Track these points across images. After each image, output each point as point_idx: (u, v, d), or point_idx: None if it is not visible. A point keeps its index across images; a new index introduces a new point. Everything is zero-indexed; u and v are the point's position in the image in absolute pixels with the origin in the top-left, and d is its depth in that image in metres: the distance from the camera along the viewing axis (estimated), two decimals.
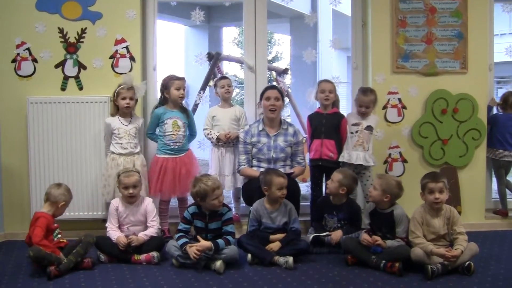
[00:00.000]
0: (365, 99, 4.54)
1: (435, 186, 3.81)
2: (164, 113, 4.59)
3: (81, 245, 3.85)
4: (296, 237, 4.10)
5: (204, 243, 3.82)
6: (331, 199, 4.32)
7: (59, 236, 3.94)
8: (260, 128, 4.65)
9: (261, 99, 4.66)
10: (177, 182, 4.52)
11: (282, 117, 4.78)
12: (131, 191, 4.12)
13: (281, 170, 4.41)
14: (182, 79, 4.64)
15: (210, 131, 4.80)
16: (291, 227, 4.12)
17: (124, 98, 4.45)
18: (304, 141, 4.86)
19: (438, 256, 3.65)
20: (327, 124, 4.60)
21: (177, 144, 4.58)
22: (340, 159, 4.57)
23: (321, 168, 4.62)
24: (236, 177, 4.78)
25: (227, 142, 4.77)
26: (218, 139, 4.75)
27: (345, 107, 5.29)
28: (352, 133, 4.56)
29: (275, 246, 4.00)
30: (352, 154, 4.51)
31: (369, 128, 4.55)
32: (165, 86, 4.60)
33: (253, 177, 4.42)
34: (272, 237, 4.07)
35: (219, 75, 5.45)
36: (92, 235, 3.97)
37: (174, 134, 4.57)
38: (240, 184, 4.78)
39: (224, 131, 4.76)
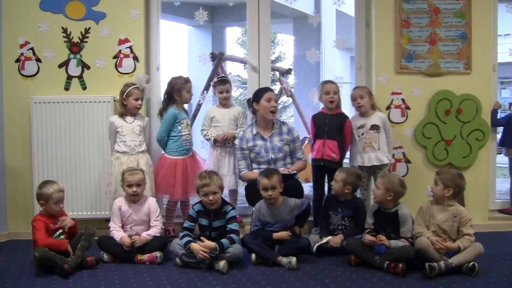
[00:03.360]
0: (356, 91, 4.64)
1: (434, 178, 3.93)
2: (179, 113, 4.61)
3: (83, 238, 3.87)
4: (309, 209, 4.31)
5: (208, 244, 3.82)
6: (338, 197, 4.31)
7: (62, 237, 3.91)
8: (254, 132, 4.61)
9: (258, 98, 4.57)
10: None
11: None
12: (134, 189, 4.12)
13: (282, 169, 4.41)
14: (190, 81, 4.69)
15: (208, 132, 4.79)
16: (302, 208, 4.20)
17: (137, 99, 4.48)
18: (307, 141, 4.85)
19: (431, 243, 3.68)
20: (330, 125, 4.59)
21: (191, 144, 4.65)
22: (355, 164, 4.57)
23: (323, 168, 4.62)
24: (236, 175, 4.76)
25: (225, 143, 4.76)
26: (215, 140, 4.74)
27: (349, 108, 5.28)
28: (359, 136, 4.56)
29: (296, 229, 4.14)
30: (364, 157, 4.52)
31: (374, 127, 4.54)
32: (177, 89, 4.60)
33: (255, 179, 4.40)
34: (275, 234, 4.06)
35: (217, 76, 5.38)
36: (92, 227, 3.99)
37: (189, 134, 4.64)
38: (239, 185, 4.80)
39: (223, 132, 4.75)
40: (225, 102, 4.87)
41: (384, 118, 4.65)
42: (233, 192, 4.92)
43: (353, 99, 4.63)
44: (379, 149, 4.52)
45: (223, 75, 5.25)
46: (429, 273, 3.55)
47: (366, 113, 4.60)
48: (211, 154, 4.85)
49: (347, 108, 5.08)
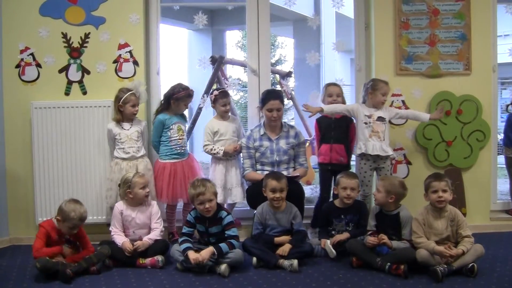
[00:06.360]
0: (388, 88, 4.54)
1: (438, 185, 3.83)
2: (168, 119, 4.59)
3: (95, 254, 3.86)
4: (303, 238, 4.11)
5: (205, 253, 3.79)
6: (337, 203, 4.28)
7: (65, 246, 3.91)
8: (262, 132, 4.63)
9: (262, 104, 4.60)
10: (185, 185, 4.48)
11: (282, 120, 4.74)
12: (148, 189, 4.18)
13: (285, 172, 4.42)
14: (193, 96, 4.69)
15: (213, 147, 4.68)
16: (297, 229, 4.11)
17: (134, 105, 4.48)
18: (307, 144, 4.84)
19: (438, 254, 3.66)
20: (336, 129, 4.61)
21: (183, 148, 4.63)
22: (358, 152, 4.53)
23: (331, 172, 4.62)
24: (244, 188, 4.73)
25: (231, 155, 4.71)
26: (225, 153, 4.66)
27: None
28: (366, 123, 4.49)
29: (286, 247, 3.96)
30: (368, 145, 4.46)
31: (380, 119, 4.48)
32: (177, 98, 4.57)
33: (258, 181, 4.41)
34: (277, 239, 4.07)
35: (218, 88, 5.29)
36: (108, 247, 3.96)
37: (180, 139, 4.60)
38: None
39: (228, 144, 4.69)
40: (226, 115, 4.80)
41: (387, 108, 4.60)
42: (230, 205, 4.85)
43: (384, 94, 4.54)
44: (384, 140, 4.49)
45: (222, 88, 5.17)
46: (440, 278, 3.53)
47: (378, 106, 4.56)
48: (214, 169, 4.72)
49: None
